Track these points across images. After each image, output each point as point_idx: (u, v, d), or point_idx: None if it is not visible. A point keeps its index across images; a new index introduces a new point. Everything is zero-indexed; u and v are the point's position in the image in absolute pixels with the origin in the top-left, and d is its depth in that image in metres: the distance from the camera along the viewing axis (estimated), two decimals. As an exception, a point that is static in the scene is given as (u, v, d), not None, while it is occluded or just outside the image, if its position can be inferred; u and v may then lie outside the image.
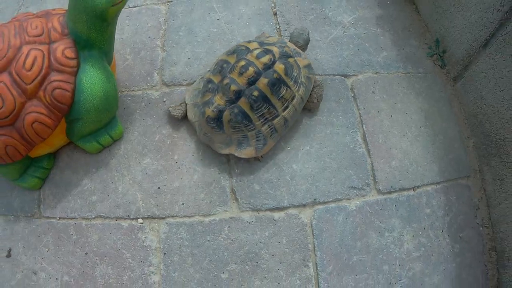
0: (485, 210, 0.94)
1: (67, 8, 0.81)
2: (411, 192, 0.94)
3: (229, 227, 0.87)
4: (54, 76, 0.77)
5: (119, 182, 0.91)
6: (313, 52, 1.07)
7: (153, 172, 0.92)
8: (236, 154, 0.89)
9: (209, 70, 0.97)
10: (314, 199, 0.90)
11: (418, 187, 0.94)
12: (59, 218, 0.88)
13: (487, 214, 0.94)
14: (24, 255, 0.85)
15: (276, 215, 0.88)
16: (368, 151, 0.96)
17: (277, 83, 0.86)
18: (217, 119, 0.87)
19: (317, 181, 0.92)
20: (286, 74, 0.87)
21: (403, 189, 0.93)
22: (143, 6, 1.19)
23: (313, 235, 0.87)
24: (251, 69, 0.85)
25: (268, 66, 0.86)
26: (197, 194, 0.90)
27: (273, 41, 0.95)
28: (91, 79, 0.81)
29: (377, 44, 1.12)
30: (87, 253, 0.84)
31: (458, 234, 0.91)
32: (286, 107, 0.89)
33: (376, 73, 1.07)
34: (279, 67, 0.87)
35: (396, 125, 1.00)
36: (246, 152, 0.89)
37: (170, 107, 0.97)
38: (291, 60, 0.90)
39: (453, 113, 1.05)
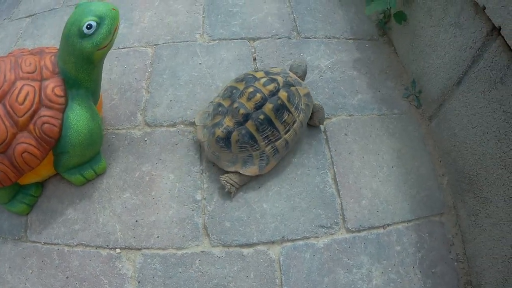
0: (460, 246, 1.11)
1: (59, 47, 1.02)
2: (381, 230, 1.11)
3: (200, 260, 1.06)
4: (44, 111, 0.97)
5: (100, 213, 1.12)
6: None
7: (132, 206, 1.12)
8: (241, 172, 1.11)
9: (218, 95, 1.21)
10: (283, 237, 1.08)
11: (388, 225, 1.12)
12: (44, 243, 1.08)
13: (462, 249, 1.10)
14: (10, 274, 1.04)
15: (245, 251, 1.07)
16: (338, 191, 1.16)
17: (280, 109, 1.10)
18: (226, 139, 1.10)
19: (286, 219, 1.11)
20: (288, 100, 1.12)
21: (372, 227, 1.11)
22: (131, 48, 1.46)
23: (281, 270, 1.04)
24: (258, 95, 1.09)
25: (273, 93, 1.11)
26: (171, 229, 1.10)
27: (277, 71, 1.19)
28: (77, 116, 1.02)
29: (352, 87, 1.34)
30: (68, 277, 1.03)
31: (431, 270, 1.06)
32: (288, 131, 1.13)
33: (350, 115, 1.29)
34: (283, 94, 1.11)
35: (367, 166, 1.20)
36: (250, 170, 1.12)
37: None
38: (293, 88, 1.15)
39: (427, 151, 1.24)
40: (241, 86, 1.14)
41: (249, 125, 1.09)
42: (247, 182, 1.17)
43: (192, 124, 1.26)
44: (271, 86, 1.11)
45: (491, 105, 0.98)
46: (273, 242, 1.09)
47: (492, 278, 0.99)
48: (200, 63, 1.39)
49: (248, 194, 1.15)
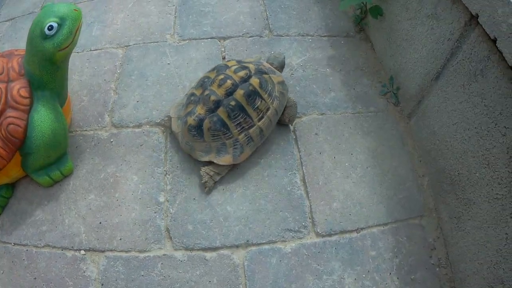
0: (442, 250, 1.05)
1: (26, 50, 1.03)
2: (354, 234, 1.06)
3: (162, 264, 1.01)
4: (10, 112, 0.98)
5: (66, 215, 1.09)
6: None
7: (96, 208, 1.10)
8: (215, 161, 1.09)
9: (192, 87, 1.20)
10: (247, 241, 1.03)
11: (362, 229, 1.07)
12: (14, 244, 1.06)
13: (444, 254, 1.05)
14: (-18, 274, 1.02)
15: (208, 255, 1.02)
16: (307, 193, 1.11)
17: (252, 95, 1.09)
18: (198, 127, 1.09)
19: (251, 222, 1.06)
20: (260, 87, 1.10)
21: (344, 231, 1.06)
22: (103, 50, 1.44)
23: (245, 276, 1.00)
24: (228, 82, 1.09)
25: (245, 80, 1.10)
26: (134, 231, 1.06)
27: (250, 60, 1.19)
28: (41, 117, 1.02)
29: (325, 85, 1.30)
30: (35, 278, 1.00)
31: (410, 276, 1.01)
32: (261, 118, 1.11)
33: (322, 114, 1.25)
34: (254, 81, 1.10)
35: (339, 166, 1.15)
36: (224, 159, 1.10)
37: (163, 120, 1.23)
38: (265, 76, 1.14)
39: (406, 151, 1.19)
40: (212, 75, 1.15)
41: (221, 112, 1.08)
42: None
43: (158, 124, 1.24)
44: (242, 73, 1.11)
45: (472, 99, 0.94)
46: (237, 246, 1.04)
47: (476, 285, 0.94)
48: (168, 63, 1.36)
49: (211, 196, 1.11)
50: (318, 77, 1.32)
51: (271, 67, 1.20)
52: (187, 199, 1.10)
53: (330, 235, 1.06)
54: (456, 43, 0.99)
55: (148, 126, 1.23)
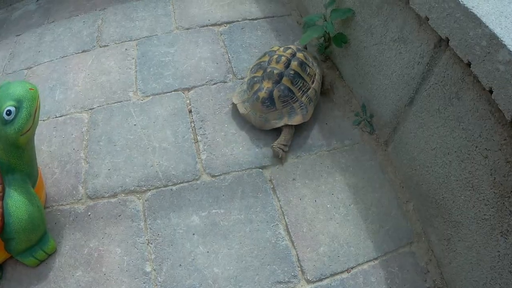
0: (436, 271, 1.12)
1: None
2: (345, 275, 1.13)
3: None
4: None
5: None
6: (228, 147, 1.34)
7: (86, 284, 1.15)
8: (289, 123, 1.34)
9: (250, 73, 1.46)
10: None
11: (352, 268, 1.13)
12: None
13: (438, 275, 1.11)
14: None
15: None
16: (292, 242, 1.17)
17: (303, 64, 1.39)
18: (269, 98, 1.35)
19: (240, 281, 1.12)
20: (305, 59, 1.42)
21: (335, 274, 1.13)
22: (68, 116, 1.49)
23: None
24: (283, 58, 1.39)
25: (293, 54, 1.41)
26: None
27: (283, 45, 1.48)
28: (16, 203, 1.06)
29: (297, 125, 1.37)
30: None
31: None
32: (313, 81, 1.40)
33: (297, 157, 1.32)
34: (299, 55, 1.41)
35: (321, 209, 1.22)
36: (296, 119, 1.35)
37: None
38: (304, 51, 1.46)
39: (387, 179, 1.26)
40: (266, 58, 1.43)
41: (285, 81, 1.36)
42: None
43: (133, 192, 1.29)
44: (289, 51, 1.42)
45: (449, 124, 0.98)
46: (230, 308, 1.10)
47: (475, 301, 0.99)
48: (135, 124, 1.42)
49: (197, 260, 1.17)
50: (289, 117, 1.38)
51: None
52: (173, 266, 1.16)
53: (321, 279, 1.12)
54: (427, 67, 1.04)
55: (123, 195, 1.29)
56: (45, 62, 1.69)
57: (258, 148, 1.33)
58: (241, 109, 1.40)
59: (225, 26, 1.78)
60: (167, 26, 1.78)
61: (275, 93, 1.35)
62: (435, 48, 1.00)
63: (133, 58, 1.64)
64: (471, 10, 0.82)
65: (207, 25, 1.78)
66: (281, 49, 1.44)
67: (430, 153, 1.08)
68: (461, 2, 0.84)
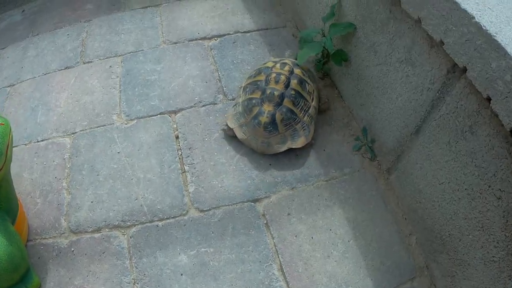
0: None
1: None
2: None
3: None
4: None
5: None
6: (217, 178, 1.24)
7: None
8: (293, 146, 1.28)
9: (239, 97, 1.38)
10: None
11: None
12: None
13: None
14: None
15: None
16: (287, 283, 1.09)
17: (302, 81, 1.33)
18: (272, 123, 1.28)
19: (232, 328, 1.05)
20: (303, 75, 1.35)
21: None
22: (50, 140, 1.41)
23: None
24: (282, 77, 1.31)
25: (291, 72, 1.34)
26: None
27: (276, 60, 1.40)
28: None
29: (292, 152, 1.29)
30: None
31: None
32: (313, 98, 1.34)
33: (292, 189, 1.23)
34: (297, 71, 1.35)
35: (318, 247, 1.13)
36: (299, 142, 1.28)
37: (224, 127, 1.36)
38: (302, 67, 1.39)
39: (389, 210, 1.18)
40: (262, 77, 1.35)
41: (286, 102, 1.29)
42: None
43: (117, 227, 1.21)
44: (287, 67, 1.34)
45: (460, 159, 0.90)
46: None
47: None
48: (118, 152, 1.34)
49: (185, 306, 1.09)
50: (283, 144, 1.29)
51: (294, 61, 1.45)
52: (161, 309, 1.09)
53: (318, 323, 1.05)
54: (437, 94, 0.94)
55: (107, 230, 1.21)
56: (28, 79, 1.61)
57: (250, 179, 1.24)
58: (239, 134, 1.32)
59: (215, 40, 1.68)
60: (154, 40, 1.69)
61: (278, 117, 1.27)
62: (448, 74, 0.89)
63: (118, 76, 1.55)
64: (495, 37, 0.71)
65: (196, 39, 1.68)
66: (278, 65, 1.35)
67: (437, 187, 0.99)
68: (483, 27, 0.73)
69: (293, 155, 1.29)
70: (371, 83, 1.21)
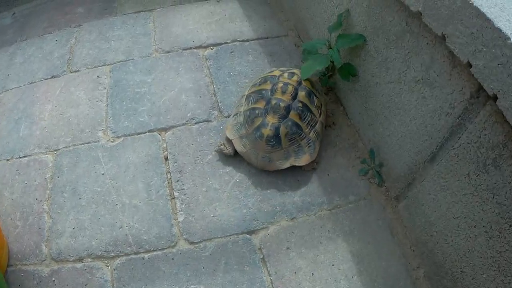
0: None
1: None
2: None
3: None
4: None
5: None
6: (210, 207, 1.13)
7: None
8: (296, 164, 1.17)
9: (239, 106, 1.28)
10: None
11: None
12: None
13: None
14: None
15: None
16: (284, 326, 0.99)
17: (311, 94, 1.23)
18: (276, 136, 1.17)
19: None
20: (312, 87, 1.26)
21: None
22: (31, 157, 1.31)
23: None
24: (290, 87, 1.21)
25: (299, 82, 1.24)
26: None
27: (286, 69, 1.30)
28: None
29: (292, 177, 1.18)
30: None
31: None
32: (320, 113, 1.24)
33: (292, 219, 1.12)
34: (306, 82, 1.25)
35: (319, 284, 1.02)
36: (304, 159, 1.18)
37: (220, 147, 1.24)
38: (311, 78, 1.29)
39: (396, 242, 1.07)
40: (268, 86, 1.25)
41: (292, 115, 1.18)
42: None
43: (100, 257, 1.11)
44: (295, 77, 1.25)
45: (480, 193, 0.79)
46: None
47: None
48: (103, 173, 1.23)
49: None
50: (282, 169, 1.18)
51: None
52: None
53: None
54: (458, 120, 0.83)
55: (89, 260, 1.11)
56: (13, 89, 1.51)
57: (246, 208, 1.13)
58: (238, 147, 1.21)
59: (211, 49, 1.56)
60: (145, 48, 1.58)
61: (282, 130, 1.16)
62: (472, 99, 0.78)
63: (105, 88, 1.45)
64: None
65: (190, 48, 1.57)
66: (285, 75, 1.25)
67: (451, 222, 0.89)
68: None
69: (294, 180, 1.18)
70: (381, 102, 1.10)
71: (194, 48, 1.58)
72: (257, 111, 1.20)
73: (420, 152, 0.97)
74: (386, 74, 1.06)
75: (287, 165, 1.17)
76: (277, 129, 1.16)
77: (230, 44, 1.58)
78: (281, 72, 1.27)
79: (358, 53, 1.17)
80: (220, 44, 1.59)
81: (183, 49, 1.57)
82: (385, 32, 1.03)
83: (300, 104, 1.18)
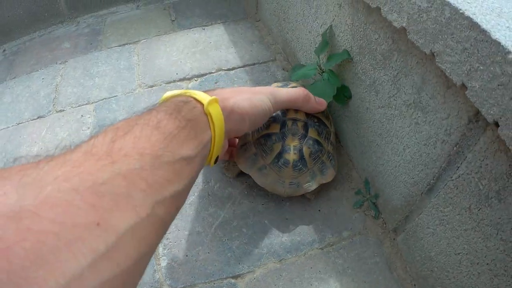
0: None
1: None
2: None
3: None
4: None
5: None
6: (193, 251, 1.07)
7: None
8: (323, 181, 1.11)
9: (245, 135, 1.17)
10: None
11: None
12: None
13: None
14: None
15: None
16: None
17: None
18: (301, 159, 1.08)
19: None
20: None
21: None
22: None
23: None
24: None
25: None
26: None
27: (285, 83, 1.21)
28: None
29: (280, 214, 1.11)
30: None
31: None
32: (331, 124, 1.19)
33: (280, 261, 1.04)
34: None
35: (311, 333, 0.95)
36: (329, 175, 1.12)
37: (224, 167, 1.22)
38: None
39: (395, 279, 0.99)
40: None
41: (311, 132, 1.11)
42: None
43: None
44: None
45: (483, 229, 0.71)
46: None
47: None
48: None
49: None
50: (269, 205, 1.12)
51: None
52: None
53: None
54: (455, 148, 0.74)
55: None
56: (1, 130, 1.49)
57: (230, 251, 1.06)
58: (260, 179, 1.10)
59: (195, 81, 1.52)
60: (129, 83, 1.55)
61: (305, 151, 1.07)
62: (470, 124, 0.68)
63: (88, 128, 1.41)
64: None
65: (174, 81, 1.53)
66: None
67: (452, 258, 0.81)
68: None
69: (281, 219, 1.11)
70: (373, 128, 1.03)
71: (177, 81, 1.53)
72: (273, 137, 1.10)
73: (416, 183, 0.89)
74: (376, 98, 0.98)
75: (315, 186, 1.09)
76: (300, 151, 1.07)
77: (214, 74, 1.53)
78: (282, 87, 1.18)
79: (345, 75, 1.11)
80: (204, 74, 1.54)
81: (166, 83, 1.53)
82: (371, 52, 0.96)
83: (315, 119, 1.10)
